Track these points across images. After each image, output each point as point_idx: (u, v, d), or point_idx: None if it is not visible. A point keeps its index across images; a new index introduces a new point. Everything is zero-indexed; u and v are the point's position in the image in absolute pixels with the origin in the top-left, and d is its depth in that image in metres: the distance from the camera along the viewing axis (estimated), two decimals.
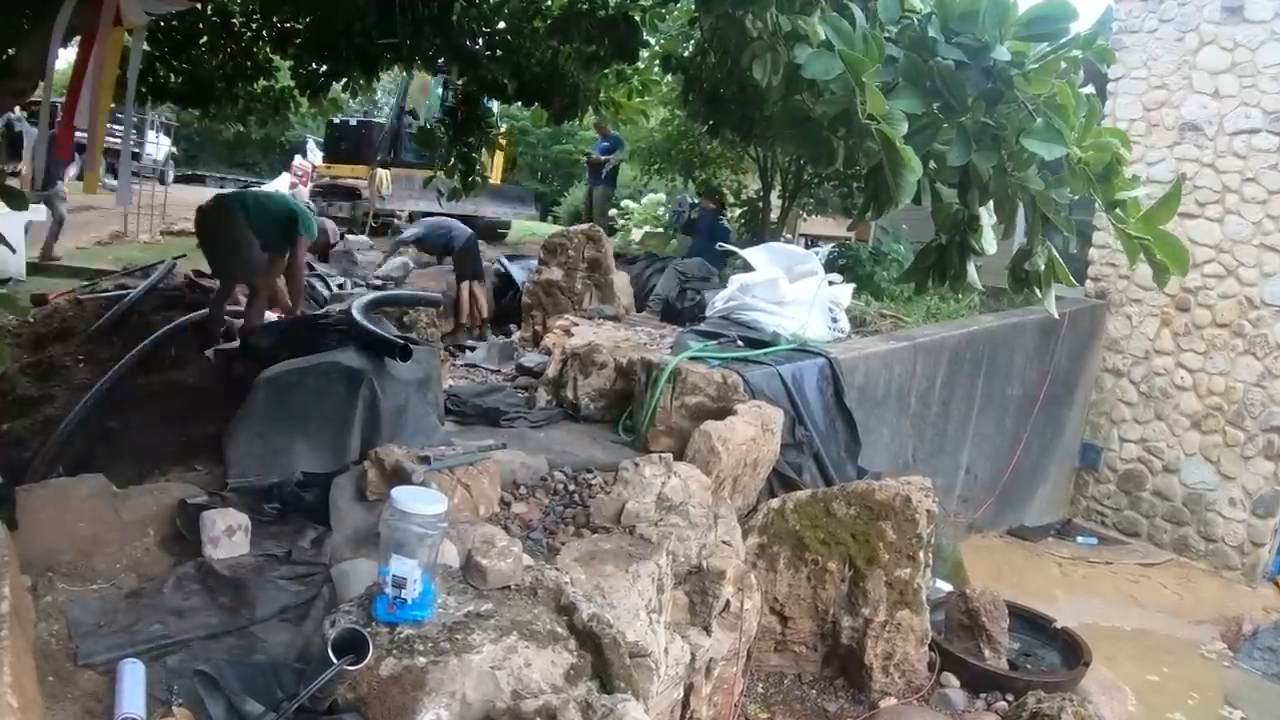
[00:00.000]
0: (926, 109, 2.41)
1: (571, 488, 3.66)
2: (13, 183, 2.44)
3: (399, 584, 2.08)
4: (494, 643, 2.11)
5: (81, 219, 11.64)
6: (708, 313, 5.97)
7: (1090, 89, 2.83)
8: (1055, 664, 4.50)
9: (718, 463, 3.83)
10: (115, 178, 7.53)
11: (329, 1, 4.13)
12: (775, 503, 4.06)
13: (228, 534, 2.79)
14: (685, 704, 3.09)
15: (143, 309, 5.13)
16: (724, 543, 3.49)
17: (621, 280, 7.59)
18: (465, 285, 7.65)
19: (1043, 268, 2.81)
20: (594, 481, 3.70)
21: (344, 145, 12.66)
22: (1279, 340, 7.62)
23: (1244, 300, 7.79)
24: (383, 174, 11.46)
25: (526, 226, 13.11)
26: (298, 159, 17.12)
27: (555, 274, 7.07)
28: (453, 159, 5.01)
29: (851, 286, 6.58)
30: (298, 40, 4.56)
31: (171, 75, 4.71)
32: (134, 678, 2.16)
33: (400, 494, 2.15)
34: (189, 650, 2.37)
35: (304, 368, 3.41)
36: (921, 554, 3.97)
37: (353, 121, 13.36)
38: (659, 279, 7.75)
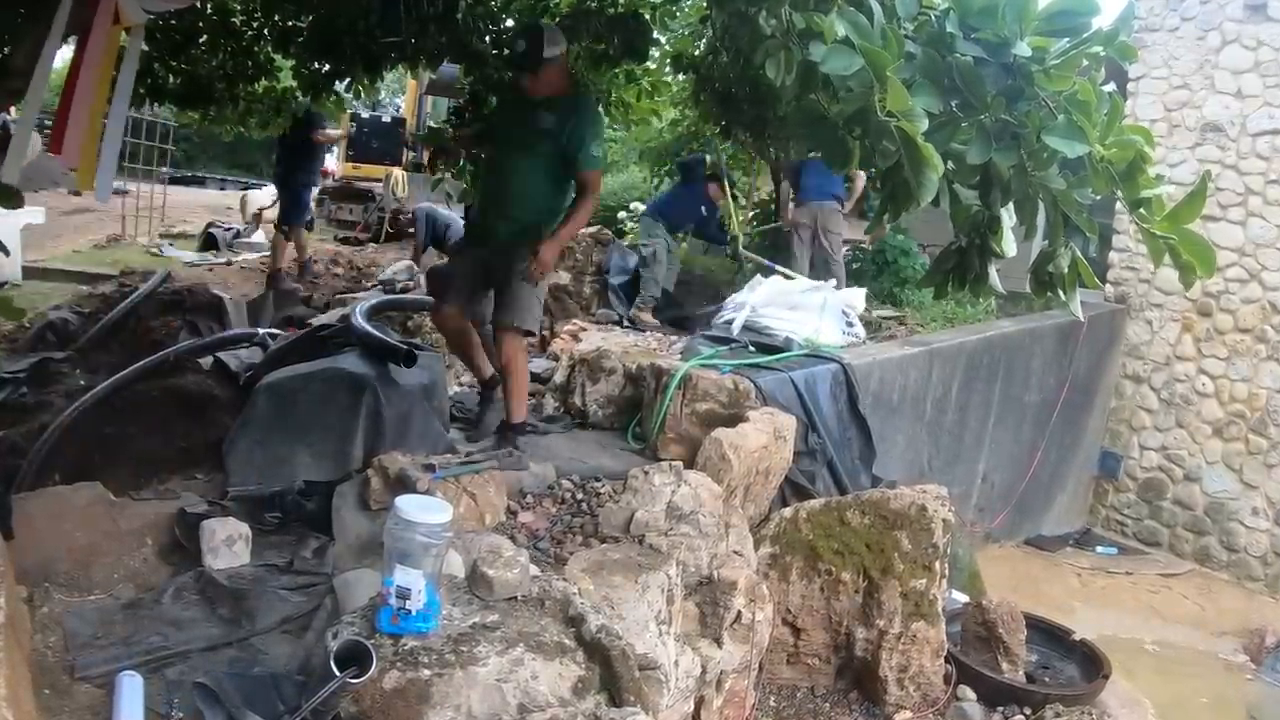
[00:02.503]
0: (945, 107, 2.36)
1: (579, 496, 3.60)
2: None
3: (403, 595, 2.05)
4: (500, 655, 2.08)
5: (78, 221, 11.68)
6: (718, 318, 5.91)
7: (1111, 88, 2.77)
8: (1074, 676, 4.41)
9: (729, 471, 3.76)
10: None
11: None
12: (788, 512, 4.00)
13: (228, 543, 2.76)
14: (696, 717, 3.03)
15: (142, 314, 5.10)
16: (735, 553, 3.43)
17: None
18: None
19: (1066, 270, 2.74)
20: (602, 490, 3.65)
21: (374, 143, 12.36)
22: None
23: (1267, 305, 7.66)
24: (398, 174, 11.36)
25: None
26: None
27: (562, 278, 7.01)
28: (461, 160, 4.96)
29: (863, 290, 6.51)
30: (299, 39, 4.50)
31: (170, 75, 4.67)
32: (132, 690, 2.13)
33: (405, 502, 2.12)
34: (188, 662, 2.35)
35: (306, 374, 3.37)
36: (937, 564, 3.89)
37: (385, 118, 13.15)
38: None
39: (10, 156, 2.37)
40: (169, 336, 4.67)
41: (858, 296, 6.10)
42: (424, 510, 2.09)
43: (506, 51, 4.19)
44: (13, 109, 3.32)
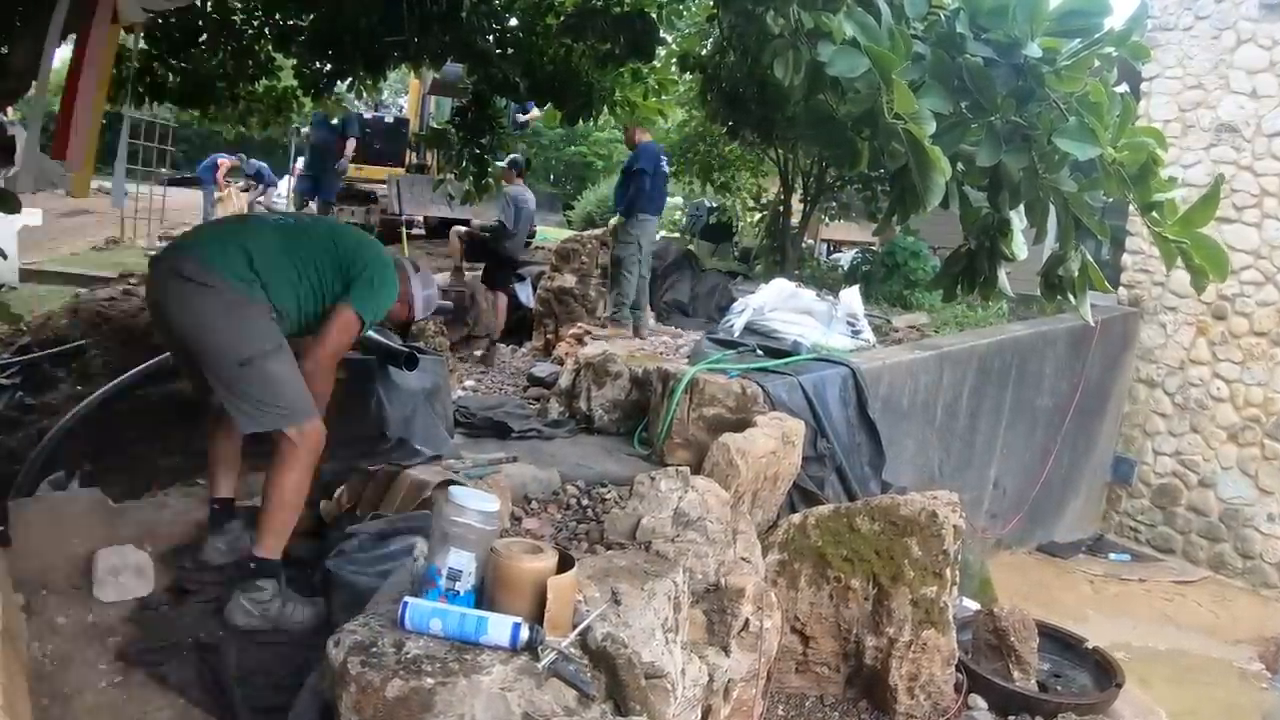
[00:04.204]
0: (954, 108, 2.32)
1: (585, 502, 3.58)
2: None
3: (454, 576, 2.14)
4: (504, 663, 2.03)
5: (77, 223, 11.69)
6: (724, 322, 5.88)
7: (1124, 88, 2.74)
8: (1086, 685, 4.36)
9: (737, 476, 3.72)
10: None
11: None
12: (796, 518, 3.95)
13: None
14: None
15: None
16: (743, 559, 3.39)
17: None
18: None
19: (1076, 273, 2.70)
20: (608, 496, 3.62)
21: (376, 144, 12.37)
22: None
23: None
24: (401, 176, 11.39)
25: (546, 233, 13.02)
26: (301, 161, 17.11)
27: (568, 281, 6.97)
28: (464, 161, 4.93)
29: (857, 288, 6.43)
30: (300, 38, 4.49)
31: (170, 75, 4.65)
32: None
33: (458, 492, 2.26)
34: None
35: None
36: (948, 571, 3.84)
37: (388, 118, 13.13)
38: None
39: (24, 167, 2.35)
40: None
41: (854, 298, 6.03)
42: (476, 499, 2.22)
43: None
44: (10, 110, 3.31)
